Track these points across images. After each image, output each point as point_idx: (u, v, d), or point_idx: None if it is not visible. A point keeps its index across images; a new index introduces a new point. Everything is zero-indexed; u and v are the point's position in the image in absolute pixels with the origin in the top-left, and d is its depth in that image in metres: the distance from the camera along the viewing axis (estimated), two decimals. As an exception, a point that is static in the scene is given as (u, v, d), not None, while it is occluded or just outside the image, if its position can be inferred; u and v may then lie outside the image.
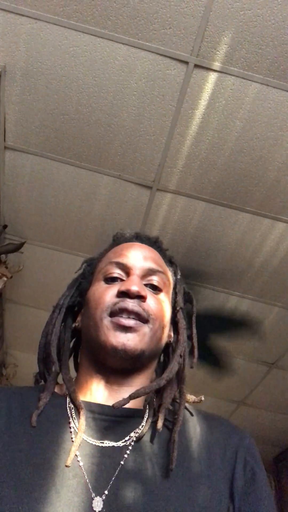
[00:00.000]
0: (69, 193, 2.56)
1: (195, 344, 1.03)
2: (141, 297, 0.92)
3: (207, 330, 3.07)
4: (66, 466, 0.78)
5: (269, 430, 4.25)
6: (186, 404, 0.96)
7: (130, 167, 2.38)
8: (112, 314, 0.91)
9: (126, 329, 0.89)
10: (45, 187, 2.56)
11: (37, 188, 2.57)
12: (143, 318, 0.91)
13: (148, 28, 1.88)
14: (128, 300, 0.91)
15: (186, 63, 1.97)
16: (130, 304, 0.91)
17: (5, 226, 2.78)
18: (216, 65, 1.96)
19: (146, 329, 0.91)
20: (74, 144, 2.32)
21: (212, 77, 2.00)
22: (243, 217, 2.53)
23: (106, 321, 0.90)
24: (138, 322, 0.90)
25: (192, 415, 0.94)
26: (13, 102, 2.18)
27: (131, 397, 0.84)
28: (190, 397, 0.98)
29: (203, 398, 0.97)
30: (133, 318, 0.90)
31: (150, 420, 0.88)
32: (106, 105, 2.14)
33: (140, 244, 1.06)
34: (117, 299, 0.92)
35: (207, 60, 1.95)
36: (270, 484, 4.29)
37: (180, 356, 0.96)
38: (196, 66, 1.97)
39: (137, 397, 0.86)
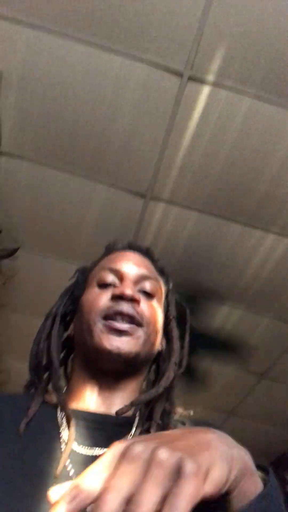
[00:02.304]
0: (63, 200, 2.58)
1: (185, 355, 1.03)
2: (135, 301, 0.93)
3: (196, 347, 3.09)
4: (55, 476, 0.78)
5: (259, 441, 4.24)
6: (179, 414, 0.97)
7: (124, 176, 2.40)
8: (107, 317, 0.91)
9: (121, 332, 0.90)
10: (40, 194, 2.57)
11: (31, 194, 2.58)
12: (137, 322, 0.92)
13: (143, 39, 1.91)
14: (123, 302, 0.92)
15: (181, 75, 1.99)
16: (125, 306, 0.92)
17: (-1, 232, 2.79)
18: (210, 78, 1.99)
19: (140, 332, 0.92)
20: (69, 152, 2.34)
21: (206, 89, 2.03)
22: (235, 228, 2.55)
23: (100, 324, 0.91)
24: (132, 325, 0.91)
25: (184, 424, 0.95)
26: (9, 108, 2.20)
27: (133, 403, 0.85)
28: (178, 409, 0.98)
29: (192, 413, 0.97)
30: (127, 322, 0.91)
31: (140, 429, 0.89)
32: (101, 114, 2.17)
33: (133, 252, 1.08)
34: (111, 303, 0.93)
35: (201, 73, 1.98)
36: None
37: (175, 364, 0.97)
38: (190, 78, 2.00)
39: (139, 403, 0.87)
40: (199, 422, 0.96)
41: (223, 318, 3.07)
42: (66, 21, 1.90)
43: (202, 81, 2.01)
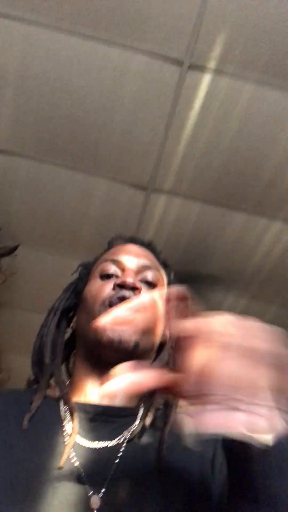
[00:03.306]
0: (63, 195, 2.55)
1: None
2: (136, 289, 0.95)
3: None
4: (59, 467, 0.78)
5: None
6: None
7: (125, 169, 2.37)
8: (110, 304, 0.93)
9: None
10: (39, 190, 2.54)
11: (30, 191, 2.55)
12: None
13: (141, 29, 1.87)
14: (125, 290, 0.94)
15: (181, 63, 1.95)
16: (127, 293, 0.94)
17: (-2, 230, 2.76)
18: (211, 65, 1.95)
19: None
20: (68, 147, 2.31)
21: (207, 77, 1.99)
22: (239, 217, 2.53)
23: (105, 312, 0.90)
24: None
25: None
26: (5, 105, 2.16)
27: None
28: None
29: None
30: None
31: (143, 419, 0.89)
32: (100, 108, 2.13)
33: (134, 245, 1.10)
34: (113, 291, 0.95)
35: (202, 60, 1.94)
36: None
37: (172, 347, 0.97)
38: (190, 66, 1.96)
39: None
40: None
41: (229, 307, 3.06)
42: (62, 15, 1.86)
43: (202, 69, 1.97)
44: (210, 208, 2.51)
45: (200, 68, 1.96)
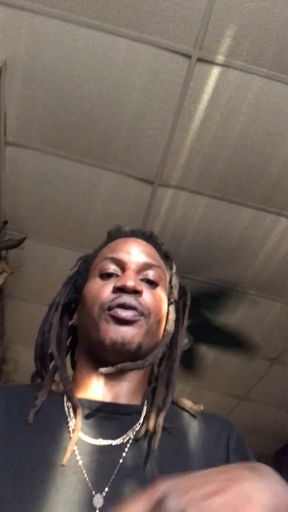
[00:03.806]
0: (70, 188, 2.55)
1: (183, 333, 1.03)
2: (137, 292, 0.92)
3: (203, 310, 3.06)
4: (62, 465, 0.78)
5: (270, 425, 4.26)
6: (189, 408, 0.96)
7: (132, 162, 2.37)
8: (110, 309, 0.90)
9: (125, 322, 0.89)
10: (46, 183, 2.54)
11: (37, 184, 2.55)
12: (140, 312, 0.91)
13: (150, 21, 1.86)
14: (125, 295, 0.91)
15: (189, 56, 1.94)
16: (127, 299, 0.90)
17: (5, 222, 2.77)
18: (220, 58, 1.94)
19: (142, 321, 0.90)
20: (75, 139, 2.30)
21: (215, 71, 1.98)
22: (246, 212, 2.52)
23: (105, 315, 0.90)
24: (135, 314, 0.90)
25: (195, 417, 0.94)
26: (14, 97, 2.16)
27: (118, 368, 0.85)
28: (188, 403, 0.97)
29: (202, 407, 0.96)
30: (130, 309, 0.90)
31: (147, 419, 0.88)
32: (108, 100, 2.12)
33: (135, 239, 1.06)
34: (113, 295, 0.92)
35: (210, 53, 1.92)
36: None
37: (166, 345, 0.96)
38: (199, 59, 1.95)
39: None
40: (209, 415, 0.96)
41: (234, 304, 3.05)
42: (70, 5, 1.85)
43: (211, 62, 1.96)
44: (217, 203, 2.50)
45: (208, 61, 1.95)
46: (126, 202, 2.57)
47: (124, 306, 0.90)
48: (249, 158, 2.26)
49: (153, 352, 0.92)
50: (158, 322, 0.95)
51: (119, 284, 0.92)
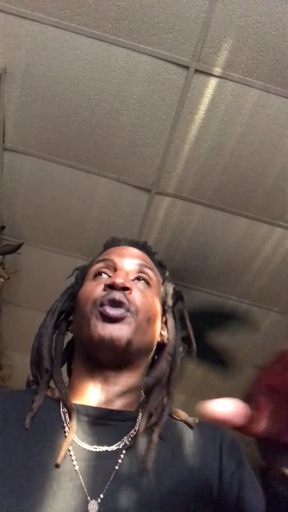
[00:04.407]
0: (68, 195, 2.56)
1: (193, 341, 1.06)
2: (126, 289, 0.94)
3: (204, 327, 3.07)
4: (57, 465, 0.79)
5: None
6: (185, 419, 0.96)
7: (129, 170, 2.39)
8: (101, 305, 0.92)
9: (113, 320, 0.90)
10: (44, 189, 2.56)
11: (35, 190, 2.57)
12: (127, 308, 0.92)
13: (149, 32, 1.89)
14: (114, 291, 0.93)
15: (187, 67, 1.97)
16: (117, 295, 0.92)
17: (2, 227, 2.78)
18: (217, 70, 1.96)
19: (130, 318, 0.92)
20: (73, 146, 2.32)
21: (213, 82, 2.01)
22: (241, 222, 2.54)
23: (96, 311, 0.92)
24: (124, 311, 0.92)
25: (191, 427, 0.95)
26: (13, 103, 2.18)
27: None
28: (183, 414, 0.98)
29: (197, 421, 0.97)
30: (119, 307, 0.92)
31: (142, 426, 0.88)
32: (106, 108, 2.15)
33: (129, 246, 1.10)
34: (104, 292, 0.94)
35: (208, 65, 1.95)
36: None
37: (169, 354, 0.98)
38: (196, 71, 1.98)
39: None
40: (203, 423, 0.96)
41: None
42: (70, 15, 1.88)
43: (208, 74, 1.98)
44: (213, 212, 2.52)
45: (206, 72, 1.98)
46: (123, 209, 2.59)
47: (113, 302, 0.92)
48: (244, 168, 2.28)
49: (160, 365, 0.95)
50: (148, 320, 0.96)
51: (109, 281, 0.95)
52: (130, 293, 0.94)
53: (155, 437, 0.86)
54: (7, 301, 3.34)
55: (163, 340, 1.02)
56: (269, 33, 1.83)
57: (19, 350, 3.76)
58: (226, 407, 0.55)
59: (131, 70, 2.01)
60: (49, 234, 2.82)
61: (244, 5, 1.77)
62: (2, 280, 2.85)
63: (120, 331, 0.90)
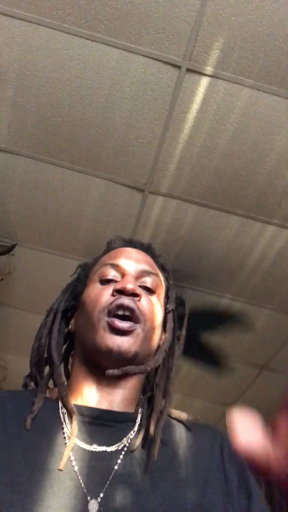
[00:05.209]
0: (61, 195, 2.56)
1: (183, 340, 1.05)
2: (136, 295, 0.94)
3: (199, 328, 3.08)
4: (59, 470, 0.79)
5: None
6: (183, 419, 0.97)
7: (122, 169, 2.39)
8: (109, 313, 0.92)
9: (122, 332, 0.90)
10: (37, 189, 2.55)
11: (28, 190, 2.56)
12: (136, 317, 0.92)
13: (140, 32, 1.89)
14: (124, 297, 0.93)
15: (179, 67, 1.98)
16: (126, 300, 0.92)
17: (-4, 229, 2.77)
18: (208, 69, 1.97)
19: (139, 329, 0.92)
20: (66, 147, 2.33)
21: (204, 81, 2.02)
22: (234, 220, 2.55)
23: (103, 321, 0.91)
24: (131, 323, 0.91)
25: (189, 429, 0.95)
26: (5, 104, 2.18)
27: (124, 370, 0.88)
28: (180, 414, 0.99)
29: (186, 416, 0.98)
30: (128, 317, 0.91)
31: (142, 426, 0.89)
32: (99, 108, 2.15)
33: (134, 248, 1.09)
34: (113, 298, 0.94)
35: (199, 64, 1.96)
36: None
37: (166, 351, 0.98)
38: (188, 70, 1.99)
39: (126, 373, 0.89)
40: (201, 426, 0.97)
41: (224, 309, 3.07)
42: (63, 15, 1.88)
43: (200, 73, 1.99)
44: (206, 211, 2.53)
45: (197, 71, 1.99)
46: (116, 209, 2.59)
47: (122, 307, 0.91)
48: (237, 167, 2.29)
49: (154, 358, 0.94)
50: (154, 329, 0.96)
51: (118, 286, 0.94)
52: (139, 300, 0.94)
53: (157, 438, 0.86)
54: (0, 303, 3.33)
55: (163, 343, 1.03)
56: (260, 32, 1.84)
57: (12, 351, 3.75)
58: (253, 441, 0.45)
59: (123, 70, 2.01)
60: (43, 235, 2.81)
61: (235, 5, 1.79)
62: (-5, 281, 2.84)
63: (128, 344, 0.90)
